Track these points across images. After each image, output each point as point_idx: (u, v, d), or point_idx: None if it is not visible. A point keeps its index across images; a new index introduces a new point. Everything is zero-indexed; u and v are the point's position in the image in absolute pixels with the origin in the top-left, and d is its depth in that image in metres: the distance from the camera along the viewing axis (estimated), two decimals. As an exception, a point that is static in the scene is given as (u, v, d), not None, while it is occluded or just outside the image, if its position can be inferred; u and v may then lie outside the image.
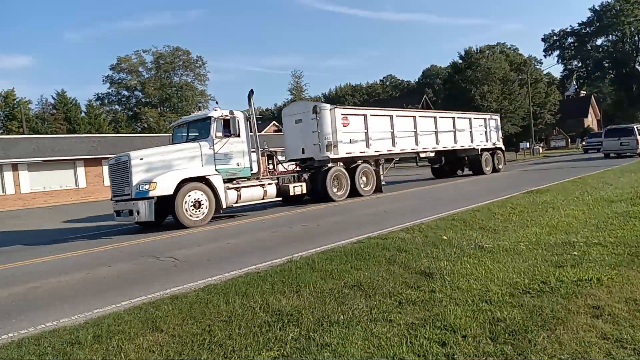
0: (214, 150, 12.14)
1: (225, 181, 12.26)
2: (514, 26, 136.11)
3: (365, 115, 16.47)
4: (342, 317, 4.19)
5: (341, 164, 15.93)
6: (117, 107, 64.65)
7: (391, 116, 17.63)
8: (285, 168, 15.99)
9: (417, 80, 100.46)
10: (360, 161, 16.33)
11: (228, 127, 12.46)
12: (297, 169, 16.12)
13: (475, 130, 22.14)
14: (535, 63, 75.58)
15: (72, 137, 37.26)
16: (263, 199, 13.26)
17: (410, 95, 77.15)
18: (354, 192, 15.65)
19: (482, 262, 5.65)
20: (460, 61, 61.47)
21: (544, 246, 6.25)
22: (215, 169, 12.11)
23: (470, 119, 22.30)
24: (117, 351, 3.77)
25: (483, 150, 22.60)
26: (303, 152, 15.89)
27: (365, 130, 16.33)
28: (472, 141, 21.96)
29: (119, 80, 63.59)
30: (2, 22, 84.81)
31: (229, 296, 4.95)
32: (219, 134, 12.32)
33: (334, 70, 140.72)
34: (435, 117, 20.04)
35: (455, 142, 21.01)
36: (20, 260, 8.52)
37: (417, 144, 18.75)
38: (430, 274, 5.30)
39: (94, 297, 5.58)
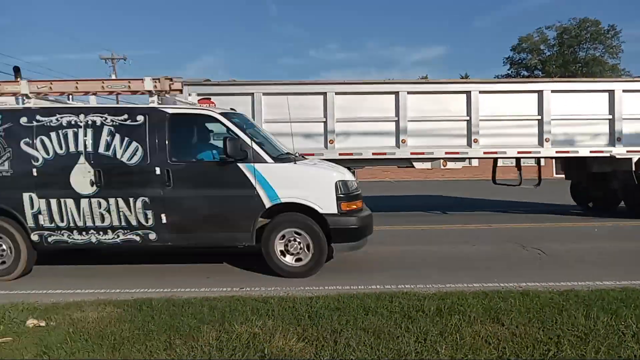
0: None
1: None
2: None
3: None
4: None
5: None
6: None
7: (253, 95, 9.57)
8: None
9: None
10: None
11: None
12: None
13: (628, 118, 10.06)
14: None
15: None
16: None
17: None
18: None
19: None
20: None
21: None
22: None
23: (613, 92, 10.04)
24: (453, 330, 3.79)
25: None
26: None
27: None
28: (613, 142, 10.05)
29: (519, 61, 62.87)
30: (419, 20, 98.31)
31: (591, 309, 4.13)
32: None
33: None
34: (469, 93, 9.92)
35: (540, 143, 10.03)
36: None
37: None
38: None
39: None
